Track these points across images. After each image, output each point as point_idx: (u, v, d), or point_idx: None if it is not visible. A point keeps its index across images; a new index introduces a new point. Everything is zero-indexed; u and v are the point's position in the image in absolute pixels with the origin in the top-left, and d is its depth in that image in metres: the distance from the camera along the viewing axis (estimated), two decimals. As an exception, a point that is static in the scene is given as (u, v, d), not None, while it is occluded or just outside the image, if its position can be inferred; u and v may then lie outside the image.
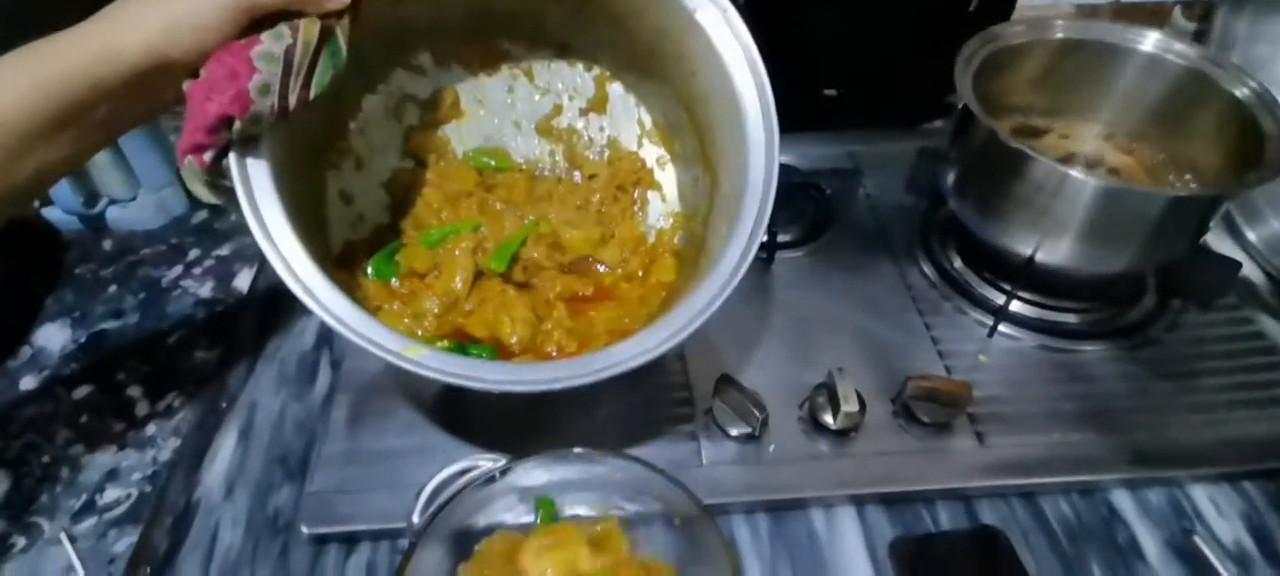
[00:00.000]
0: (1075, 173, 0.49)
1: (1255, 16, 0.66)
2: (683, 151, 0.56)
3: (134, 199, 0.69)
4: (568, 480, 0.44)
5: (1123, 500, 0.49)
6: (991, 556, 0.45)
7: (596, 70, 0.57)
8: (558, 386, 0.40)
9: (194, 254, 0.66)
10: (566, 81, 0.57)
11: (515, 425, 0.52)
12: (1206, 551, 0.46)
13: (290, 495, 0.49)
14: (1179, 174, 0.61)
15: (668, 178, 0.57)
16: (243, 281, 0.64)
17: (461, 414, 0.52)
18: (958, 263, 0.64)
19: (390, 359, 0.38)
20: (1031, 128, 0.65)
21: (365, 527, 0.47)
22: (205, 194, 0.38)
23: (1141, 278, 0.62)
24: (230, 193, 0.38)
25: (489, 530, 0.43)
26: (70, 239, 0.68)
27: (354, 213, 0.53)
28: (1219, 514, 0.48)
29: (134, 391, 0.55)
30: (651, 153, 0.58)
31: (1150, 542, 0.47)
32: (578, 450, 0.44)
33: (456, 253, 0.51)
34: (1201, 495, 0.49)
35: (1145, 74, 0.61)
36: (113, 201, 0.69)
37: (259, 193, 0.38)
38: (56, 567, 0.45)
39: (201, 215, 0.70)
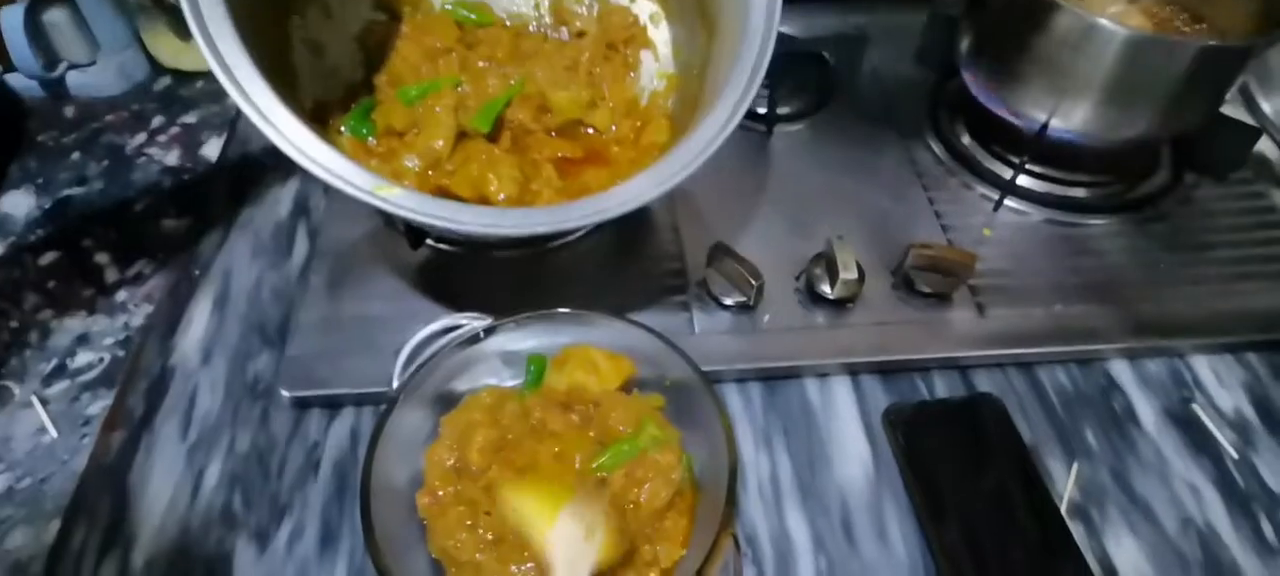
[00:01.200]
0: (1103, 22, 0.46)
1: None
2: (678, 6, 0.52)
3: (93, 63, 0.65)
4: (556, 343, 0.43)
5: (1121, 370, 0.48)
6: (986, 422, 0.45)
7: (584, -88, 0.52)
8: (542, 229, 0.38)
9: (158, 121, 0.63)
10: None
11: (500, 295, 0.50)
12: (1204, 418, 0.46)
13: (269, 362, 0.48)
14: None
15: (661, 35, 0.54)
16: (211, 150, 0.61)
17: (446, 283, 0.51)
18: (966, 138, 0.62)
19: (360, 196, 0.36)
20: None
21: (347, 391, 0.45)
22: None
23: (1155, 150, 0.59)
24: (175, 10, 0.34)
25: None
26: (31, 106, 0.65)
27: (324, 66, 0.49)
28: (1220, 383, 0.47)
29: (102, 258, 0.53)
30: (644, 8, 0.54)
31: (1147, 410, 0.46)
32: (565, 311, 0.42)
33: (437, 110, 0.48)
34: (1202, 365, 0.48)
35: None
36: (72, 66, 0.65)
37: (207, 10, 0.35)
38: (29, 430, 0.44)
39: (164, 82, 0.66)
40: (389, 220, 0.53)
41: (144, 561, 0.40)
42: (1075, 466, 0.43)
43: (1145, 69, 0.48)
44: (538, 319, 0.42)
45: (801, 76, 0.66)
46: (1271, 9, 0.51)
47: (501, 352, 0.43)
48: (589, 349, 0.42)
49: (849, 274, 0.47)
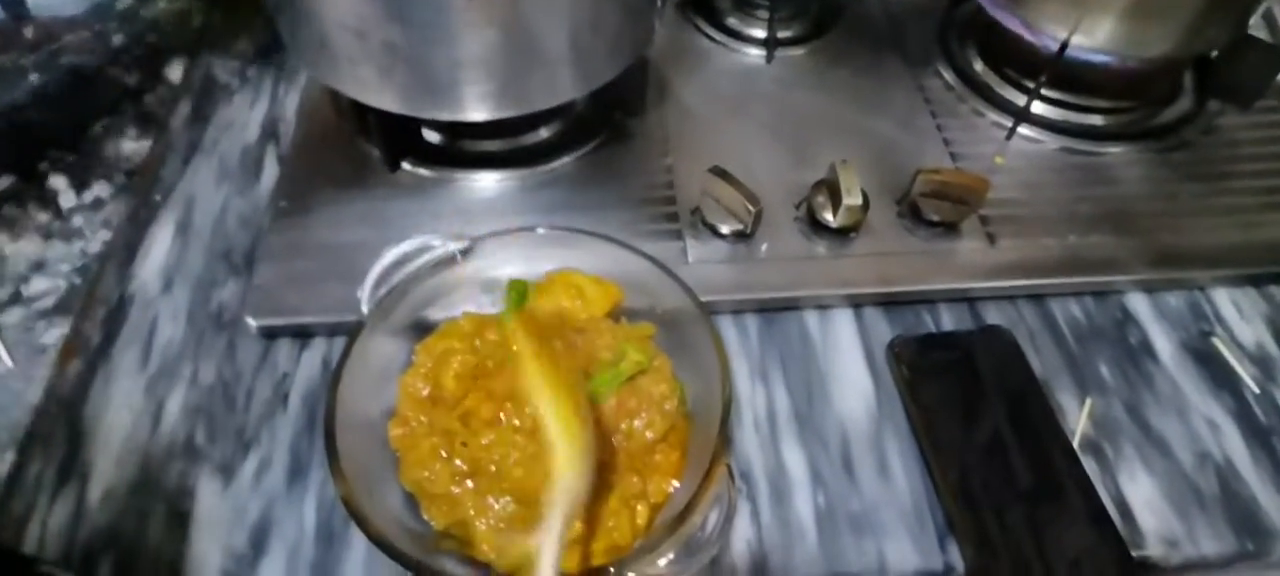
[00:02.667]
0: (1132, -77, 0.43)
1: None
2: None
3: (51, -19, 0.61)
4: (539, 269, 0.40)
5: (1138, 303, 0.46)
6: (995, 355, 0.42)
7: None
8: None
9: (119, 40, 0.59)
10: None
11: (481, 220, 0.47)
12: (1225, 352, 0.43)
13: (236, 290, 0.45)
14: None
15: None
16: (174, 72, 0.57)
17: (425, 208, 0.48)
18: (978, 63, 0.58)
19: None
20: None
21: (318, 320, 0.43)
22: None
23: (1178, 76, 0.56)
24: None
25: (451, 321, 0.39)
26: (-11, 28, 0.61)
27: None
28: (1241, 316, 0.45)
29: (57, 182, 0.49)
30: None
31: (1164, 343, 0.44)
32: (548, 230, 0.39)
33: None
34: (1223, 298, 0.46)
35: None
36: (29, -15, 0.61)
37: None
38: (-19, 357, 0.42)
39: (126, 1, 0.62)
40: (368, 135, 0.50)
41: (101, 493, 0.37)
42: (1088, 401, 0.41)
43: (1175, -23, 0.45)
44: (519, 238, 0.40)
45: (804, -2, 0.62)
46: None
47: (481, 279, 0.40)
48: (575, 274, 0.40)
49: (853, 200, 0.44)
